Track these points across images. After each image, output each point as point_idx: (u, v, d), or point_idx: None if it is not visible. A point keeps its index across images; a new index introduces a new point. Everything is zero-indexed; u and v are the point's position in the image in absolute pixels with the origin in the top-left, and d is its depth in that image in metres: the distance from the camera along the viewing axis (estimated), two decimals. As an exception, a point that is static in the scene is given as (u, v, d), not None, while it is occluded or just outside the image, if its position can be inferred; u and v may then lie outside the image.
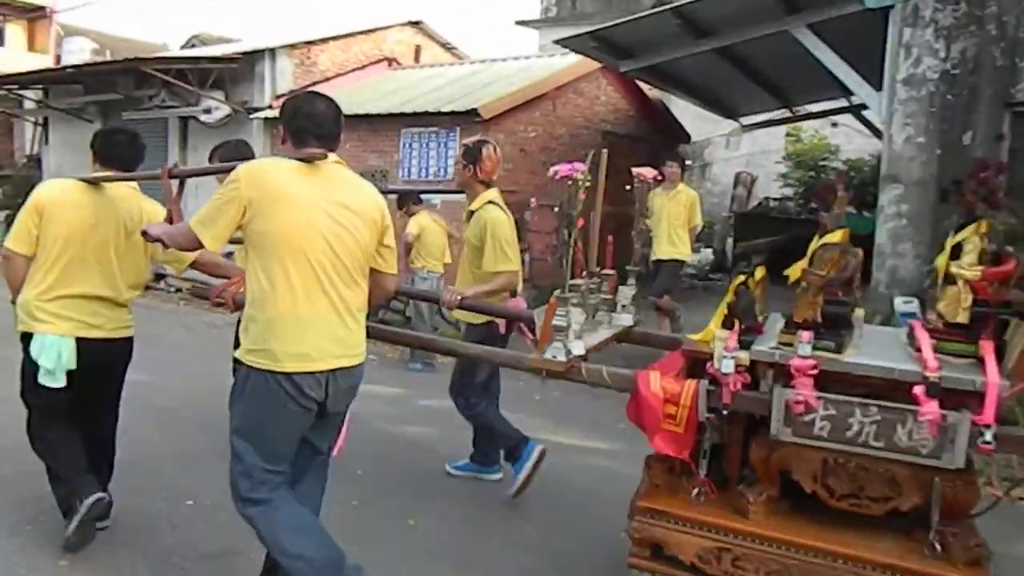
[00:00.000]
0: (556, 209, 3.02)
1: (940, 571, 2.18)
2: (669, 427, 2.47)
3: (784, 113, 11.48)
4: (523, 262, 9.57)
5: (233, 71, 11.35)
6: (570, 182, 2.71)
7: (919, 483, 2.24)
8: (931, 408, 2.11)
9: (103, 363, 3.15)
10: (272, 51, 11.35)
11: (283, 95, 11.46)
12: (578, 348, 2.63)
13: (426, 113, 9.59)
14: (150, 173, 3.12)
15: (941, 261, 2.48)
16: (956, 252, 2.42)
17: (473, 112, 9.05)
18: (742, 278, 2.59)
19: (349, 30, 12.61)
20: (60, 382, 3.00)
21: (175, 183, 2.96)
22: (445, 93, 10.49)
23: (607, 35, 7.95)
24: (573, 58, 10.75)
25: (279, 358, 2.37)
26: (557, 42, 8.24)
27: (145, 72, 10.99)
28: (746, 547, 2.38)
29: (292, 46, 11.71)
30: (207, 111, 10.99)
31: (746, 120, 11.43)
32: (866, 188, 10.23)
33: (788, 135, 14.26)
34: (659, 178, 3.14)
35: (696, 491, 2.53)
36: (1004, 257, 2.32)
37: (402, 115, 9.96)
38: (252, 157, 3.45)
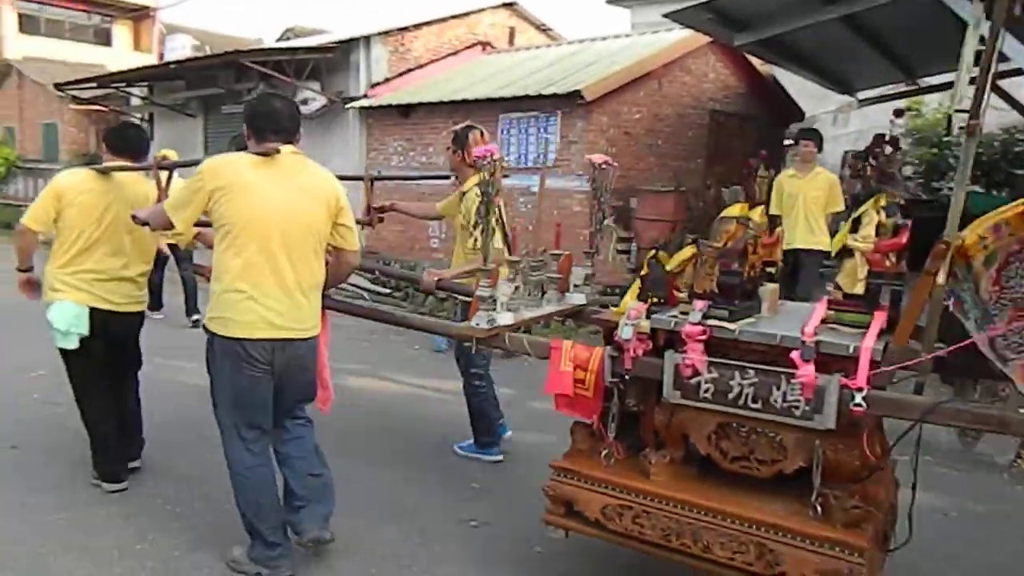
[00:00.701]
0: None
1: (818, 531, 2.25)
2: (579, 391, 2.63)
3: (901, 87, 10.50)
4: (628, 253, 9.16)
5: (329, 61, 11.24)
6: (486, 162, 2.76)
7: (803, 447, 2.33)
8: (805, 371, 2.18)
9: (116, 333, 3.55)
10: (367, 39, 11.16)
11: (378, 83, 11.29)
12: (505, 319, 2.77)
13: (526, 97, 9.19)
14: (146, 164, 3.62)
15: (841, 235, 2.61)
16: (856, 226, 2.50)
17: (575, 94, 8.59)
18: (652, 252, 2.70)
19: (443, 15, 12.30)
20: (72, 343, 3.41)
21: (164, 173, 3.50)
22: (544, 75, 10.05)
23: (723, 6, 7.33)
24: (678, 34, 10.11)
25: (230, 326, 2.76)
26: (667, 15, 7.65)
27: (244, 65, 11.00)
28: (645, 505, 2.50)
29: (386, 33, 11.50)
30: (304, 102, 10.90)
31: (862, 95, 10.51)
32: (996, 165, 9.32)
33: (909, 109, 13.16)
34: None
35: (605, 453, 2.67)
36: (901, 230, 2.37)
37: (500, 100, 9.59)
38: None
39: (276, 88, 11.52)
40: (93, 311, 3.43)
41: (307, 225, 2.80)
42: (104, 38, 25.75)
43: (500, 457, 4.35)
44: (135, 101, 15.27)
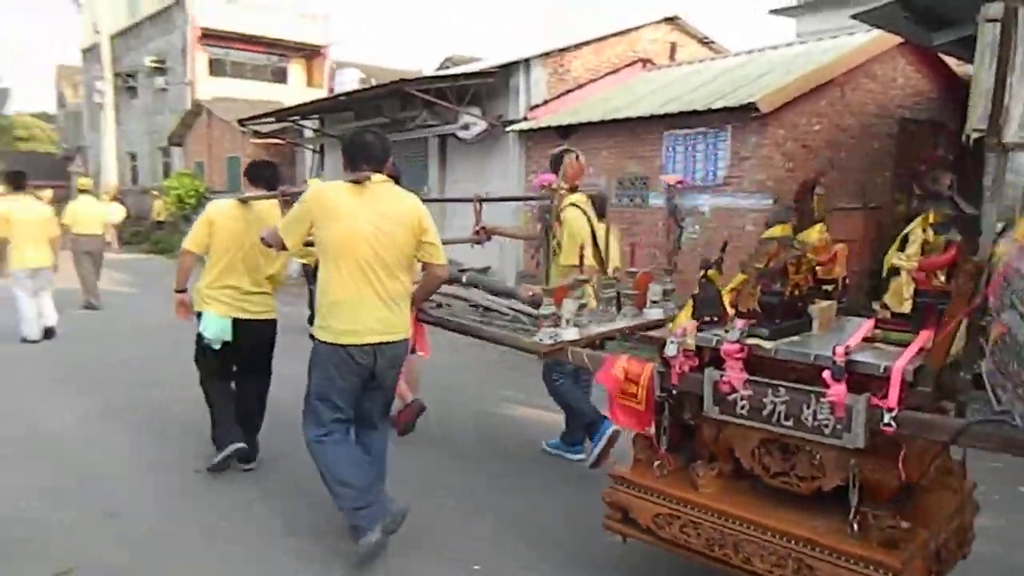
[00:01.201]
0: (531, 212, 3.96)
1: (853, 549, 2.25)
2: (631, 404, 2.75)
3: None
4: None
5: (489, 86, 11.32)
6: (545, 190, 3.17)
7: (840, 465, 2.33)
8: (835, 390, 2.18)
9: (253, 338, 4.04)
10: (526, 62, 11.14)
11: (537, 105, 11.22)
12: (569, 334, 3.06)
13: (693, 112, 8.73)
14: (274, 193, 3.97)
15: (889, 254, 2.58)
16: (904, 245, 2.50)
17: (748, 107, 8.03)
18: (704, 272, 2.75)
19: (602, 33, 12.09)
20: (216, 346, 3.97)
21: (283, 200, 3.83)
22: (711, 89, 9.55)
23: (921, 3, 6.58)
24: (860, 38, 9.32)
25: (335, 333, 3.11)
26: (856, 16, 6.98)
27: (408, 94, 11.29)
28: (692, 515, 2.60)
29: (546, 55, 11.44)
30: (465, 127, 11.03)
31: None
32: None
33: None
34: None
35: (657, 464, 2.80)
36: (950, 247, 2.33)
37: (664, 116, 9.19)
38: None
39: (438, 115, 11.75)
40: (234, 320, 3.97)
41: (393, 244, 3.13)
42: (281, 76, 27.71)
43: (581, 456, 4.41)
44: (308, 133, 16.18)
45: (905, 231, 2.59)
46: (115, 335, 8.30)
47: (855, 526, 2.31)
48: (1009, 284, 1.93)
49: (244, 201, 4.06)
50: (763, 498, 2.54)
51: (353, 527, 3.17)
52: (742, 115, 8.21)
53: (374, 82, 18.68)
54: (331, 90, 23.79)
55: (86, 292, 9.89)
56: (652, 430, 2.83)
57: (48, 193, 10.20)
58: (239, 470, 4.20)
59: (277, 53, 27.57)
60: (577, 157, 4.16)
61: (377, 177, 3.17)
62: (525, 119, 11.06)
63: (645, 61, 12.55)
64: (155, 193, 22.35)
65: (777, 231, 2.71)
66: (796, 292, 2.65)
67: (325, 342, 3.14)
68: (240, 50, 26.66)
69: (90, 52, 30.49)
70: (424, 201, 3.34)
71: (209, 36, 25.22)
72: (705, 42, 13.36)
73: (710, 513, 2.56)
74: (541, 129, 10.79)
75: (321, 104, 14.86)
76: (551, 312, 3.07)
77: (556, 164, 4.13)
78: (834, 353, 2.22)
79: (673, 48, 12.95)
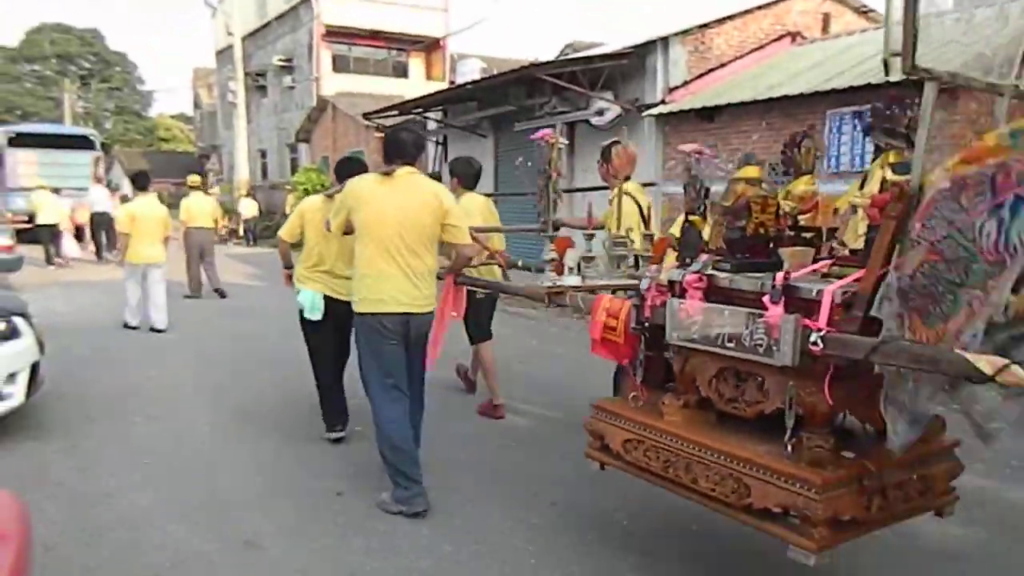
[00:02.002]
0: (527, 163, 4.25)
1: (783, 467, 2.38)
2: (612, 338, 2.97)
3: None
4: None
5: (623, 68, 10.59)
6: (544, 143, 3.70)
7: (781, 389, 2.46)
8: (771, 312, 2.33)
9: (339, 315, 4.36)
10: (664, 41, 10.33)
11: (676, 87, 10.39)
12: (572, 280, 3.39)
13: (865, 87, 7.69)
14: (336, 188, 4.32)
15: (850, 192, 2.76)
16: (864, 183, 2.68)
17: (935, 78, 6.94)
18: (685, 217, 3.00)
19: (747, 6, 11.09)
20: (317, 316, 4.44)
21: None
22: (879, 62, 8.45)
23: None
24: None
25: (366, 304, 3.59)
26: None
27: (536, 81, 10.73)
28: (653, 440, 2.81)
29: (685, 33, 10.59)
30: (599, 113, 10.37)
31: None
32: None
33: None
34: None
35: (632, 395, 3.03)
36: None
37: (827, 93, 8.19)
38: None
39: (568, 101, 11.11)
40: (326, 297, 4.44)
41: (416, 226, 3.54)
42: (402, 71, 27.90)
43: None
44: (431, 125, 15.95)
45: (867, 171, 2.71)
46: (240, 325, 8.23)
47: (790, 447, 2.43)
48: (938, 211, 2.06)
49: (330, 196, 4.43)
50: (718, 426, 2.73)
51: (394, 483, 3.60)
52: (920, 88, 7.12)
53: (496, 72, 18.27)
54: (452, 82, 23.64)
55: (192, 282, 10.39)
56: (628, 363, 3.04)
57: (216, 189, 10.84)
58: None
59: (397, 47, 27.77)
60: (624, 148, 4.28)
61: (406, 169, 3.59)
62: (663, 102, 10.26)
63: (794, 35, 11.45)
64: (288, 188, 22.90)
65: (747, 171, 2.84)
66: (762, 231, 2.74)
67: (360, 312, 3.61)
68: (362, 46, 27.05)
69: (223, 54, 31.83)
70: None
71: (333, 33, 25.67)
72: (862, 11, 12.07)
73: (669, 438, 2.75)
74: (681, 112, 9.97)
75: (445, 95, 14.57)
76: (552, 258, 3.52)
77: (607, 155, 4.33)
78: (774, 279, 2.38)
79: (826, 19, 11.76)
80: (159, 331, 7.95)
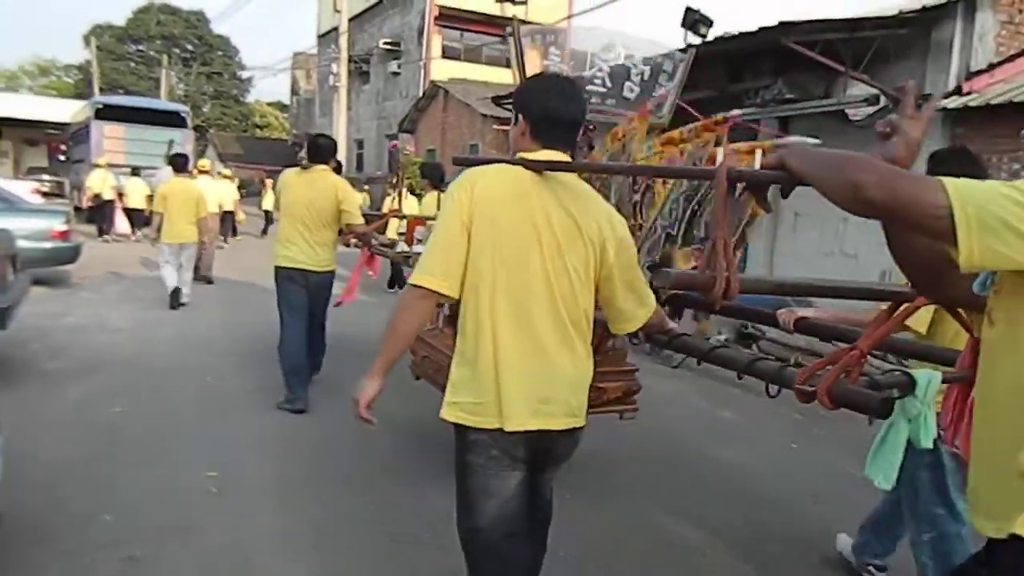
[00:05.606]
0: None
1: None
2: None
3: None
4: None
5: (896, 42, 7.49)
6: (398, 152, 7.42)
7: None
8: None
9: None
10: (968, 4, 7.18)
11: (979, 71, 7.24)
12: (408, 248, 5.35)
13: None
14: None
15: None
16: None
17: None
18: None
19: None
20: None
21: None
22: None
23: None
24: None
25: (279, 259, 4.96)
26: None
27: (755, 56, 7.74)
28: (431, 355, 4.03)
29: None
30: (867, 101, 7.33)
31: None
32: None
33: None
34: None
35: (431, 328, 4.15)
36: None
37: None
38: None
39: (800, 87, 8.08)
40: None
41: (319, 208, 4.90)
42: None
43: None
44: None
45: None
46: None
47: None
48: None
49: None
50: None
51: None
52: None
53: (623, 53, 15.34)
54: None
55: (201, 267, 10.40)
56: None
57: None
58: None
59: (511, 34, 25.19)
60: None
61: (320, 167, 5.00)
62: (958, 91, 7.14)
63: None
64: (390, 180, 20.52)
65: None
66: None
67: (277, 266, 4.96)
68: (476, 32, 24.66)
69: (324, 37, 29.95)
70: None
71: (446, 15, 23.31)
72: None
73: (436, 351, 3.86)
74: (989, 107, 6.84)
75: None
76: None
77: None
78: None
79: None
80: (181, 304, 8.28)
